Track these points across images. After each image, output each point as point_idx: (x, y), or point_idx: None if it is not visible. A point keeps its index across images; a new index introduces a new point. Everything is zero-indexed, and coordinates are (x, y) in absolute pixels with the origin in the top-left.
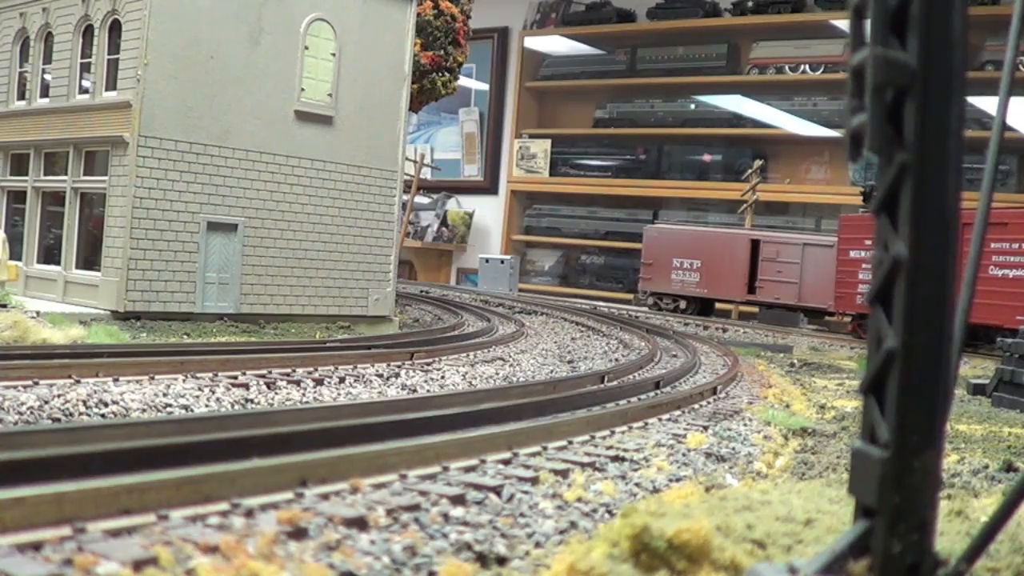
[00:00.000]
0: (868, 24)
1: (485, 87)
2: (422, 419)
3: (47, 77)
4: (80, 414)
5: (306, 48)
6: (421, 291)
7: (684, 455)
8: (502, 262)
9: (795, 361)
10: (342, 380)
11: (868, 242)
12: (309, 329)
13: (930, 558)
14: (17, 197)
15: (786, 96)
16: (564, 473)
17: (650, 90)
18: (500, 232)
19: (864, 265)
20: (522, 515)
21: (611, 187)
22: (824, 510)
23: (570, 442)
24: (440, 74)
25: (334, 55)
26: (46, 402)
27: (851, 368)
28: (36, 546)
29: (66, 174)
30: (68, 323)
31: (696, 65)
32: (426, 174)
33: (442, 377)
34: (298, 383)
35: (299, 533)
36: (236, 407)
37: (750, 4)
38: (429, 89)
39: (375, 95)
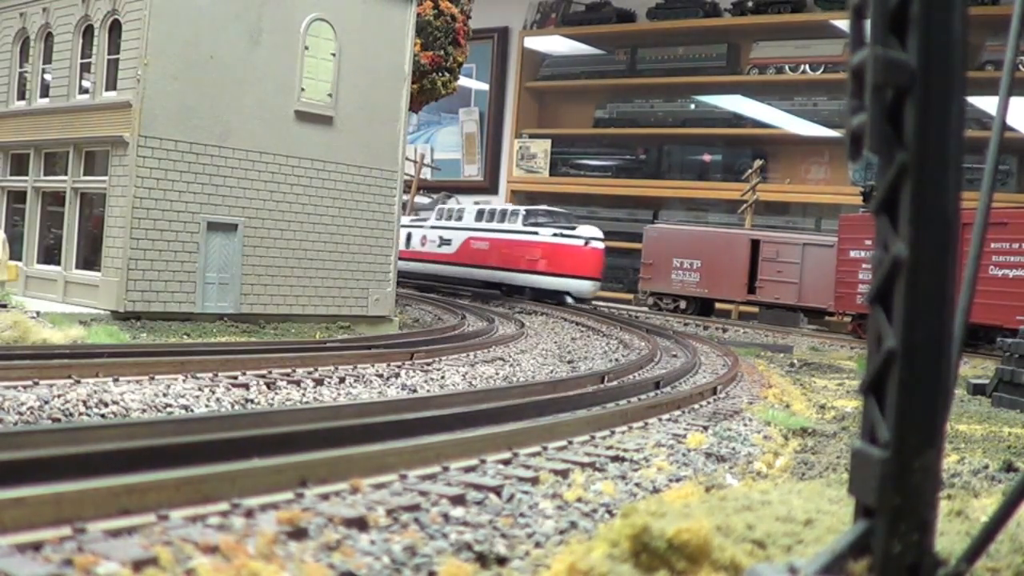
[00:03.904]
0: (868, 24)
1: (485, 87)
2: (422, 419)
3: (47, 77)
4: (80, 414)
5: (306, 48)
6: (422, 291)
7: (684, 455)
8: None
9: (795, 361)
10: (342, 380)
11: (868, 242)
12: (309, 329)
13: (930, 558)
14: (17, 197)
15: (786, 96)
16: (564, 473)
17: (650, 90)
18: None
19: (864, 265)
20: (522, 515)
21: (611, 187)
22: (824, 510)
23: (570, 442)
24: (440, 74)
25: (334, 55)
26: (46, 402)
27: (851, 368)
28: (36, 546)
29: (66, 174)
30: (68, 323)
31: (696, 65)
32: (426, 174)
33: (442, 377)
34: (298, 383)
35: (299, 533)
36: (236, 407)
37: (750, 4)
38: (429, 89)
39: (375, 95)
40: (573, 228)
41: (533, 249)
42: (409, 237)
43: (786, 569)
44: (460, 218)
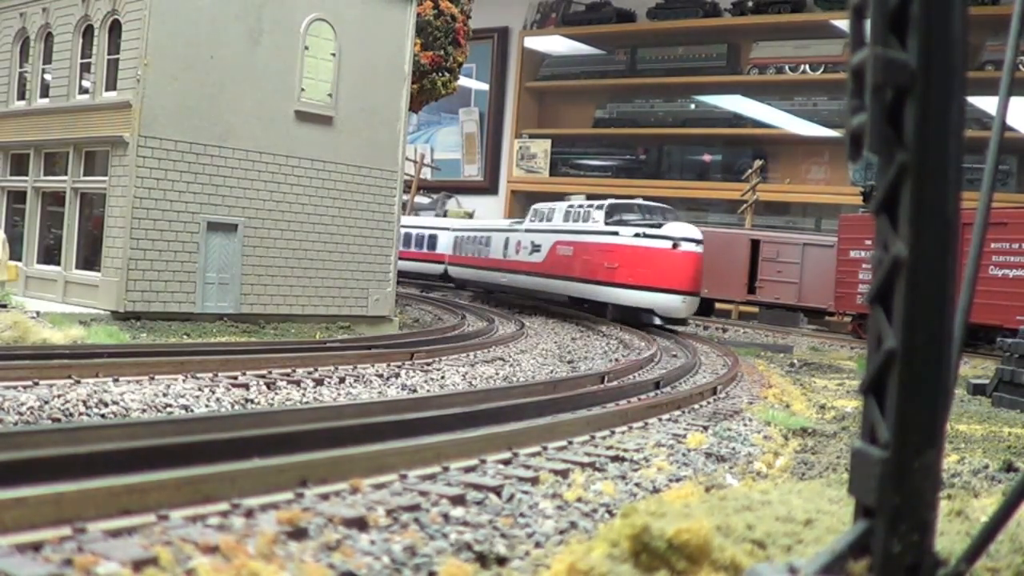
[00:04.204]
0: (868, 24)
1: (485, 87)
2: (422, 419)
3: (47, 77)
4: (80, 414)
5: (306, 48)
6: (421, 291)
7: (684, 455)
8: None
9: (795, 361)
10: (342, 380)
11: (868, 242)
12: (309, 329)
13: (930, 558)
14: (17, 197)
15: (786, 96)
16: (564, 473)
17: (650, 90)
18: None
19: (864, 265)
20: (522, 515)
21: (611, 187)
22: (824, 510)
23: (570, 442)
24: (440, 74)
25: (334, 55)
26: (46, 402)
27: (851, 368)
28: (36, 546)
29: (66, 174)
30: (68, 323)
31: (696, 65)
32: (426, 174)
33: (442, 377)
34: (298, 383)
35: (299, 533)
36: (236, 407)
37: (750, 4)
38: (429, 89)
39: (375, 95)
40: (660, 226)
41: (611, 254)
42: (506, 243)
43: (786, 569)
44: (551, 218)
